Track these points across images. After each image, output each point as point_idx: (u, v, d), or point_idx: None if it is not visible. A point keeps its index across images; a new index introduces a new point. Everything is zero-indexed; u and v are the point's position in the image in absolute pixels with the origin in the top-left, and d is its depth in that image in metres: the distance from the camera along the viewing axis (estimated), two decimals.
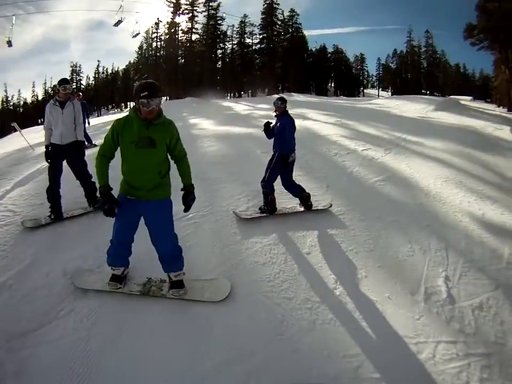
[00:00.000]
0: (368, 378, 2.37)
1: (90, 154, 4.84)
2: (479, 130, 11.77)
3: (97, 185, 2.82)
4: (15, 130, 12.18)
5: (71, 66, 33.65)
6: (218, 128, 10.89)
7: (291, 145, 4.51)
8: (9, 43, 26.06)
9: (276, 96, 4.97)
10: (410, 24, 32.11)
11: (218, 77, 32.49)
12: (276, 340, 2.69)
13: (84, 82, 34.94)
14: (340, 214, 4.73)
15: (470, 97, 30.76)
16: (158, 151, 2.73)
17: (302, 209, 4.67)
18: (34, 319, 2.84)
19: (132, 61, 34.11)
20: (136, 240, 3.01)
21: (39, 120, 32.89)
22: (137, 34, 29.14)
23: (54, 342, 2.63)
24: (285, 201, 4.92)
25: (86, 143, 6.41)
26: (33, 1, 26.87)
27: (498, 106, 26.51)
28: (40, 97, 34.43)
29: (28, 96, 34.63)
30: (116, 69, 36.12)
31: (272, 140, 4.69)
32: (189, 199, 2.91)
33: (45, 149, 4.49)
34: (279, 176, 4.58)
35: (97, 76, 35.86)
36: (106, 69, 36.03)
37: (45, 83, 34.58)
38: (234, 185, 5.65)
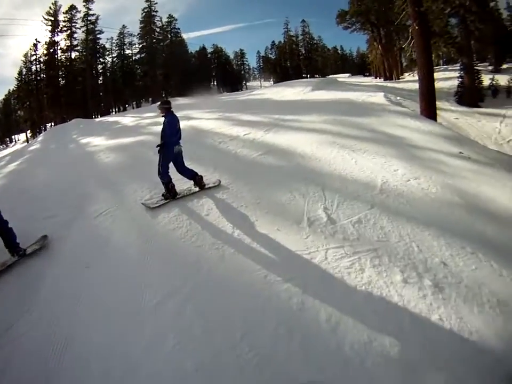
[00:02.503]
0: (275, 281, 3.68)
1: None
2: (353, 100, 14.15)
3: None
4: None
5: None
6: (110, 142, 11.75)
7: (173, 138, 5.65)
8: None
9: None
10: (286, 16, 36.53)
11: (101, 93, 32.93)
12: (197, 274, 3.96)
13: None
14: (228, 185, 6.08)
15: (347, 74, 36.03)
16: None
17: (197, 189, 5.92)
18: (2, 322, 3.66)
19: (11, 89, 32.29)
20: None
21: None
22: None
23: (26, 334, 3.52)
24: (182, 184, 6.07)
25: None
26: None
27: (375, 78, 32.19)
28: None
29: None
30: None
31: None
32: None
33: None
34: (173, 166, 5.75)
35: None
36: None
37: None
38: (136, 182, 6.79)
